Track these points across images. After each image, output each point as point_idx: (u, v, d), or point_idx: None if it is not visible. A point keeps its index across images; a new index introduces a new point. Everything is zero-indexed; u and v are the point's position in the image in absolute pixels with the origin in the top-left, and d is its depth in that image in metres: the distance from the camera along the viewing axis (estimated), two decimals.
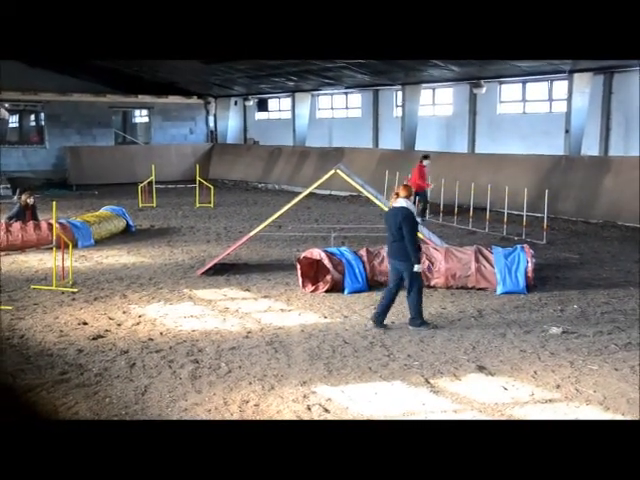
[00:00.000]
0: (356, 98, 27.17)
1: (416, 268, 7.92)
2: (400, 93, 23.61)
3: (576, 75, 17.85)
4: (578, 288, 9.81)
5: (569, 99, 18.19)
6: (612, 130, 19.14)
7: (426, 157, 16.44)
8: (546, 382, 6.37)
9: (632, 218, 14.81)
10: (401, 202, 8.01)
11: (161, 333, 7.80)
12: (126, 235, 14.42)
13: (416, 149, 22.44)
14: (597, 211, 15.64)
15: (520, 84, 21.35)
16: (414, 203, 13.49)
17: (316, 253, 9.89)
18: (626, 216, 14.93)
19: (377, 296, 9.38)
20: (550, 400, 5.95)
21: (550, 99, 20.65)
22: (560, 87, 19.81)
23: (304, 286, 9.81)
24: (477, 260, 9.76)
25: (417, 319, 8.06)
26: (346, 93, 27.19)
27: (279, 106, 30.71)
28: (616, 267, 11.21)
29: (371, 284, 9.83)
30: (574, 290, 9.70)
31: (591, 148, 18.95)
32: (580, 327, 8.00)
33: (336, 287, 9.68)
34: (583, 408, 5.76)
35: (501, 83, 21.68)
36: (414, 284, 8.01)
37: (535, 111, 21.06)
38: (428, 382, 6.36)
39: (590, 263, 11.56)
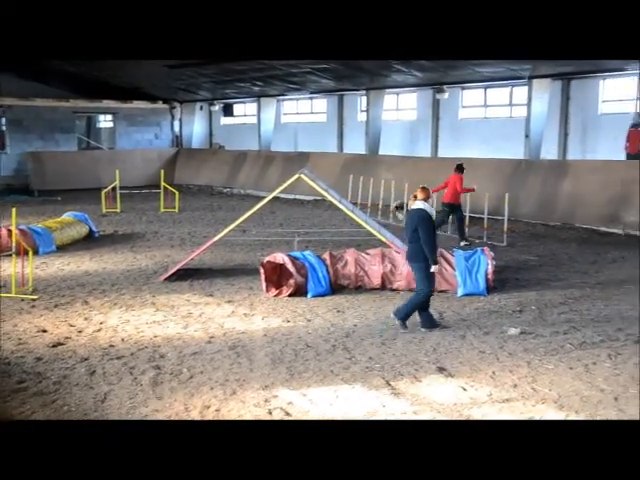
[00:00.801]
0: (321, 103, 27.31)
1: (433, 269, 8.03)
2: (364, 98, 23.80)
3: (535, 81, 18.20)
4: (536, 289, 10.01)
5: (529, 104, 18.53)
6: (570, 134, 19.56)
7: (461, 167, 14.22)
8: (504, 382, 6.50)
9: (589, 220, 15.15)
10: (418, 204, 8.12)
11: (122, 339, 7.77)
12: (89, 241, 14.30)
13: (380, 153, 22.64)
14: (556, 213, 15.95)
15: (481, 89, 21.68)
16: (448, 216, 14.00)
17: (279, 257, 9.94)
18: (583, 218, 15.26)
19: (341, 300, 9.51)
20: (507, 400, 6.08)
21: (510, 104, 21.02)
22: (520, 93, 20.17)
23: (267, 290, 9.84)
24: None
25: (402, 313, 8.14)
26: (311, 98, 27.31)
27: (245, 111, 30.70)
28: (573, 268, 11.46)
29: (334, 288, 9.91)
30: (532, 291, 9.90)
31: (550, 152, 19.34)
32: (537, 327, 8.17)
33: (299, 291, 9.73)
34: (539, 407, 5.90)
35: (463, 89, 22.00)
36: (422, 288, 8.10)
37: (496, 116, 21.41)
38: (389, 384, 6.45)
39: (548, 265, 11.79)
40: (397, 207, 15.70)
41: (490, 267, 9.76)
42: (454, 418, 5.70)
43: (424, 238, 7.93)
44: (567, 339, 7.73)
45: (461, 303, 9.32)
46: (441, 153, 22.49)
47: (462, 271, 9.75)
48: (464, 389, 6.33)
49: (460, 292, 9.69)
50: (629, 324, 8.22)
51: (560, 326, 8.23)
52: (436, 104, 22.62)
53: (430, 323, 8.19)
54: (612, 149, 17.44)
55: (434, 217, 8.29)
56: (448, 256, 9.96)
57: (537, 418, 5.66)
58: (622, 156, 16.86)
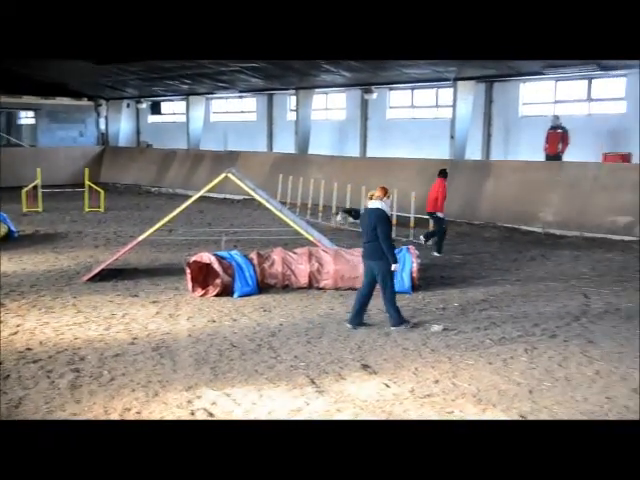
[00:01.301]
0: (251, 102, 27.20)
1: (393, 267, 8.05)
2: (294, 97, 23.84)
3: (460, 83, 18.63)
4: (460, 287, 10.24)
5: (454, 106, 18.95)
6: (493, 136, 20.12)
7: (444, 172, 13.46)
8: (426, 378, 6.61)
9: (511, 219, 15.60)
10: (376, 203, 8.11)
11: (40, 342, 7.53)
12: (7, 241, 13.79)
13: (309, 152, 22.72)
14: (480, 213, 16.35)
15: (409, 90, 22.04)
16: (441, 225, 12.95)
17: (206, 257, 9.83)
18: (505, 217, 15.70)
19: (268, 299, 9.49)
20: (429, 395, 6.18)
21: (437, 105, 21.45)
22: (446, 94, 20.60)
23: (193, 290, 9.74)
24: None
25: (397, 319, 8.13)
26: (241, 97, 27.17)
27: (173, 109, 30.29)
28: (495, 266, 11.78)
29: (261, 287, 9.88)
30: (456, 289, 10.12)
31: (474, 153, 19.83)
32: (459, 324, 8.35)
33: (226, 291, 9.66)
34: (458, 401, 6.03)
35: (391, 89, 22.31)
36: (387, 284, 8.10)
37: (423, 117, 21.81)
38: (313, 382, 6.47)
39: (472, 263, 12.08)
40: (348, 211, 15.75)
41: (415, 265, 9.92)
42: (378, 415, 5.77)
43: (382, 237, 7.95)
44: (487, 335, 7.94)
45: None
46: (370, 153, 22.76)
47: None
48: (387, 385, 6.41)
49: None
50: (545, 319, 8.51)
51: (481, 322, 8.44)
52: (364, 104, 22.87)
53: (357, 320, 8.26)
54: (532, 150, 18.02)
55: (390, 215, 8.32)
56: None
57: (528, 418, 5.78)
58: (542, 157, 17.44)
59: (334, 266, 10.01)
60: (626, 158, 16.77)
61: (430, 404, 5.97)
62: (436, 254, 12.70)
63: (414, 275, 9.92)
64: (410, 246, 10.46)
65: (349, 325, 8.23)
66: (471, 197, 16.86)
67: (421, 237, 13.54)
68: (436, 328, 8.17)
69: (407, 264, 9.91)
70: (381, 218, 8.00)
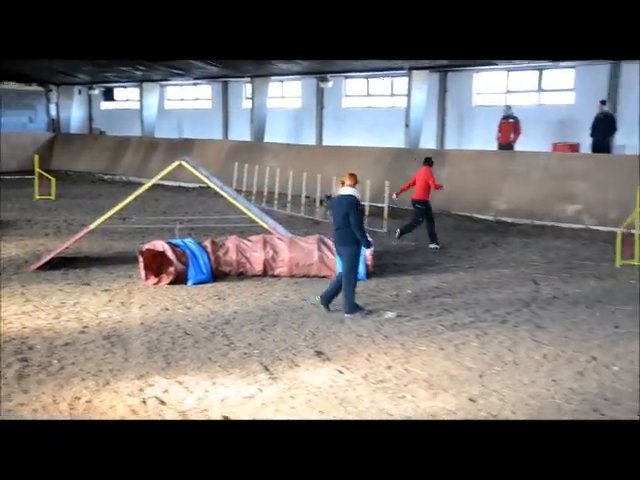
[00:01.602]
0: (206, 89, 26.93)
1: (367, 252, 8.11)
2: (249, 85, 23.68)
3: (414, 72, 18.75)
4: (413, 274, 10.34)
5: (408, 95, 19.07)
6: (447, 125, 20.32)
7: (430, 160, 13.06)
8: (378, 364, 6.68)
9: (464, 207, 15.79)
10: (347, 190, 8.20)
11: None
12: None
13: (265, 141, 22.62)
14: (434, 201, 16.43)
15: (364, 79, 22.09)
16: (422, 217, 12.45)
17: (159, 245, 9.74)
18: (459, 206, 15.89)
19: (222, 287, 9.45)
20: (381, 380, 6.25)
21: (392, 94, 21.56)
22: (401, 83, 20.71)
23: (147, 278, 9.63)
24: (320, 249, 10.03)
25: (352, 306, 8.21)
26: (195, 84, 26.87)
27: (126, 96, 29.79)
28: (448, 253, 11.93)
29: (216, 275, 9.83)
30: (409, 276, 10.21)
31: (429, 142, 20.00)
32: (412, 311, 8.44)
33: (180, 279, 9.59)
34: (410, 386, 6.11)
35: (346, 78, 22.34)
36: (352, 270, 8.19)
37: (378, 105, 21.90)
38: (267, 369, 6.48)
39: (425, 250, 12.20)
40: (326, 197, 15.38)
41: (369, 253, 9.98)
42: (331, 400, 5.80)
43: (355, 223, 8.05)
44: (439, 321, 8.04)
45: None
46: (325, 141, 22.77)
47: None
48: (340, 372, 6.45)
49: None
50: (496, 306, 8.66)
51: (433, 309, 8.54)
52: (320, 93, 22.86)
53: (327, 301, 8.39)
54: (486, 139, 18.27)
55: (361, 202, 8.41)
56: (329, 243, 10.09)
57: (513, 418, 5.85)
58: (494, 146, 17.68)
59: (289, 254, 10.01)
60: (575, 148, 17.13)
61: (383, 389, 6.04)
62: (435, 246, 12.32)
63: (368, 262, 9.98)
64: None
65: (317, 298, 8.42)
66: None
67: (431, 246, 12.46)
68: (389, 315, 8.25)
69: (362, 252, 9.95)
70: (353, 204, 8.12)
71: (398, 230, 12.92)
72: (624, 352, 6.95)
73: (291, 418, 5.41)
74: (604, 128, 16.07)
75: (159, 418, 5.36)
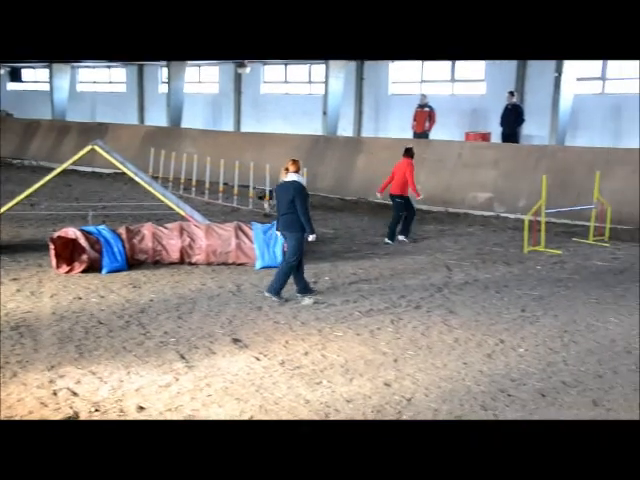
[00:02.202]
0: (120, 72, 26.24)
1: (311, 238, 8.27)
2: (166, 69, 23.22)
3: (331, 61, 18.85)
4: (331, 261, 10.45)
5: (326, 83, 19.19)
6: (364, 113, 20.58)
7: (411, 151, 12.08)
8: (296, 350, 6.74)
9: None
10: (292, 176, 8.27)
11: None
12: None
13: (182, 126, 22.27)
14: (351, 188, 16.69)
15: (282, 66, 22.05)
16: (404, 209, 11.51)
17: (71, 232, 9.46)
18: (376, 193, 16.11)
19: (138, 275, 9.29)
20: (298, 367, 6.31)
21: (310, 82, 21.63)
22: (318, 71, 20.80)
23: (58, 267, 9.35)
24: (237, 236, 9.99)
25: (277, 289, 8.32)
26: (109, 67, 26.13)
27: (35, 77, 28.67)
28: (365, 240, 12.11)
29: (131, 263, 9.65)
30: (327, 263, 10.32)
31: (346, 129, 20.21)
32: (330, 297, 8.54)
33: (93, 267, 9.36)
34: (327, 372, 6.20)
35: (264, 64, 22.24)
36: (294, 255, 8.27)
37: (296, 92, 21.92)
38: (183, 357, 6.43)
39: (343, 237, 12.35)
40: (260, 197, 14.99)
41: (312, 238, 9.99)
42: (249, 388, 5.82)
43: (301, 209, 8.14)
44: (356, 307, 8.18)
45: (259, 276, 9.49)
46: (244, 127, 22.65)
47: (260, 244, 9.92)
48: (257, 359, 6.48)
49: (258, 265, 9.87)
50: (411, 291, 8.87)
51: (350, 295, 8.67)
52: (238, 78, 22.69)
53: (303, 288, 8.49)
54: (401, 128, 18.61)
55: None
56: (247, 230, 10.07)
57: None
58: (410, 134, 18.03)
59: (206, 241, 9.92)
60: (486, 137, 17.69)
61: (300, 376, 6.10)
62: (403, 239, 11.79)
63: (285, 250, 9.99)
64: None
65: (299, 295, 8.44)
66: (343, 173, 17.18)
67: (400, 237, 11.85)
68: (307, 301, 8.32)
69: (279, 239, 9.98)
70: (299, 191, 8.21)
71: (401, 237, 11.85)
72: (529, 334, 7.27)
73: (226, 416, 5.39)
74: (513, 118, 16.66)
75: (73, 410, 5.25)
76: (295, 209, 8.19)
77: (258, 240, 9.94)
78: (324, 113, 19.22)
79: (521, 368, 6.34)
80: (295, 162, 8.49)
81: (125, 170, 10.92)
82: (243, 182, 15.68)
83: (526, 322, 7.68)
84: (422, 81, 19.92)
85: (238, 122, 23.02)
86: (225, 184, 16.03)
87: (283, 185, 8.41)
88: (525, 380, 6.06)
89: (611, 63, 17.45)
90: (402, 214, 11.85)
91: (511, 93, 16.86)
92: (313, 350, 6.75)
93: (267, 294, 8.32)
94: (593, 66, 17.56)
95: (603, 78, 17.56)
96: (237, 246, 9.94)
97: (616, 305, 8.30)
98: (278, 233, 8.77)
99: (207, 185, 16.21)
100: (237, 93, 22.90)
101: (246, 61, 21.24)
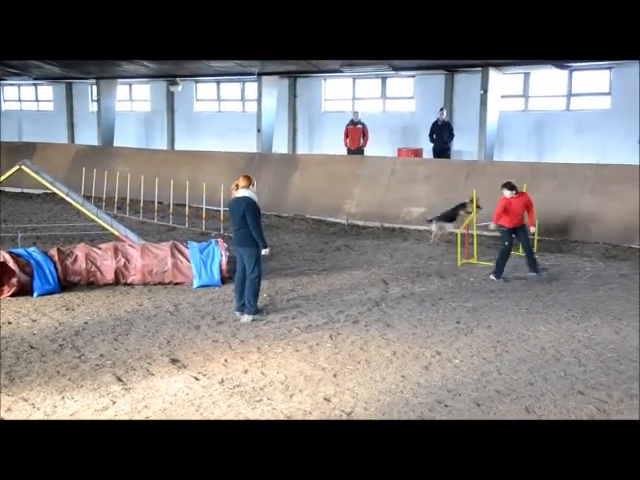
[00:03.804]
0: (47, 90, 25.66)
1: (264, 252, 8.30)
2: (95, 87, 22.84)
3: (264, 78, 18.94)
4: (268, 278, 10.44)
5: (259, 100, 19.24)
6: (298, 130, 20.72)
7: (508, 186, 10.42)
8: (235, 369, 6.72)
9: (317, 211, 16.14)
10: (242, 192, 8.29)
11: None
12: None
13: (115, 145, 21.93)
14: (287, 205, 16.73)
15: (215, 84, 22.02)
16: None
17: None
18: (312, 209, 16.22)
19: (71, 297, 9.08)
20: (238, 385, 6.30)
21: (243, 99, 21.65)
22: (251, 88, 20.85)
23: None
24: (173, 255, 9.90)
25: (254, 308, 8.33)
26: (35, 85, 25.52)
27: None
28: (302, 257, 12.17)
29: (64, 285, 9.46)
30: (265, 280, 10.21)
31: (281, 146, 20.29)
32: (268, 314, 8.55)
33: (24, 290, 9.12)
34: (267, 389, 6.20)
35: (197, 82, 22.15)
36: (255, 271, 8.29)
37: (230, 110, 21.91)
38: (120, 380, 6.33)
39: (280, 254, 12.37)
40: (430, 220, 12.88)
41: (224, 258, 9.99)
42: (187, 408, 5.77)
43: (252, 224, 8.19)
44: (295, 323, 8.21)
45: (196, 295, 9.43)
46: (178, 146, 22.46)
47: (197, 263, 9.86)
48: (197, 379, 6.43)
49: (196, 284, 9.80)
50: (349, 306, 8.96)
51: (289, 311, 8.70)
52: (171, 96, 22.51)
53: (245, 307, 8.47)
54: (335, 144, 18.80)
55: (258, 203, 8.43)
56: (183, 248, 10.00)
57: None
58: (344, 151, 18.25)
59: (141, 261, 9.80)
60: (418, 153, 18.06)
61: (239, 394, 6.09)
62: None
63: (223, 267, 9.98)
64: (219, 239, 10.52)
65: (238, 313, 8.43)
66: (279, 190, 17.22)
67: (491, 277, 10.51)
68: (245, 319, 8.31)
69: (216, 257, 9.96)
70: (250, 206, 8.25)
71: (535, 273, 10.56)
72: (464, 345, 7.45)
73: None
74: (443, 134, 17.08)
75: None
76: (247, 225, 8.24)
77: (195, 259, 9.88)
78: (258, 130, 19.26)
79: (457, 379, 6.49)
80: (246, 177, 8.53)
81: (55, 190, 10.70)
82: (178, 201, 15.56)
83: (461, 333, 7.86)
84: (354, 98, 20.21)
85: (172, 140, 22.82)
86: (160, 203, 15.86)
87: (235, 201, 8.46)
88: (461, 390, 6.20)
89: (533, 80, 18.12)
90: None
91: (441, 109, 17.29)
92: (252, 368, 6.74)
93: (247, 317, 8.31)
94: (516, 84, 18.18)
95: (526, 95, 18.19)
96: (174, 265, 9.85)
97: (545, 314, 8.59)
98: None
99: (141, 204, 16.00)
100: (170, 111, 22.70)
101: (178, 79, 21.11)
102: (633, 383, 6.38)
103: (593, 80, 17.33)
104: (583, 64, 16.55)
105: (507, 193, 10.36)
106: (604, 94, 17.03)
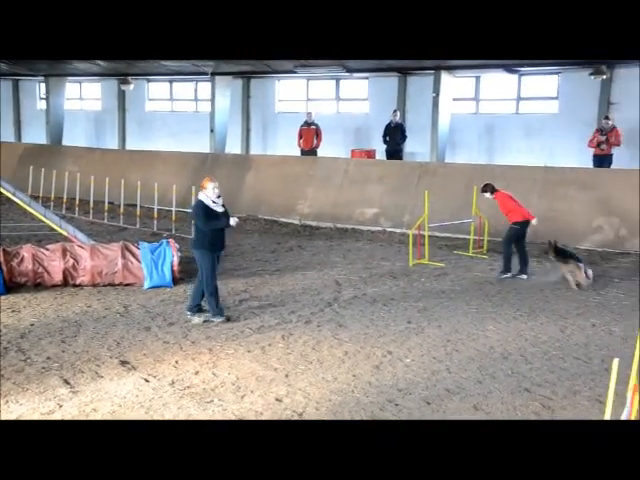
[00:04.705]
0: None
1: (232, 222, 8.25)
2: (43, 85, 22.38)
3: (218, 78, 18.85)
4: (221, 279, 10.26)
5: (212, 100, 19.13)
6: (252, 130, 20.65)
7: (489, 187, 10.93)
8: (186, 370, 6.66)
9: (270, 212, 16.14)
10: (200, 195, 8.27)
11: None
12: None
13: (64, 144, 21.53)
14: (241, 206, 16.65)
15: (167, 83, 21.80)
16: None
17: None
18: (265, 210, 16.21)
19: (17, 299, 8.88)
20: (189, 387, 6.25)
21: (196, 99, 21.49)
22: (205, 88, 20.71)
23: None
24: (124, 256, 9.77)
25: (215, 309, 8.25)
26: None
27: None
28: (255, 257, 12.14)
29: (9, 286, 9.24)
30: (217, 280, 10.19)
31: (235, 147, 20.20)
32: (220, 315, 8.49)
33: None
34: (218, 390, 6.16)
35: (149, 81, 21.90)
36: (205, 273, 8.23)
37: (183, 110, 21.71)
38: (67, 383, 6.22)
39: (233, 255, 12.30)
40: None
41: (176, 259, 9.90)
42: (140, 410, 5.70)
43: (200, 224, 8.22)
44: (247, 324, 8.18)
45: (147, 296, 9.32)
46: (129, 145, 22.17)
47: (148, 264, 9.74)
48: (147, 380, 6.36)
49: (146, 285, 9.68)
50: (301, 307, 8.97)
51: (241, 312, 8.67)
52: (122, 95, 22.21)
53: (195, 308, 8.41)
54: (289, 145, 18.81)
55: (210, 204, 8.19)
56: (134, 249, 9.87)
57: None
58: (298, 152, 18.26)
59: (91, 262, 9.64)
60: (371, 154, 18.19)
61: (190, 395, 6.04)
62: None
63: (175, 268, 9.89)
64: (170, 240, 10.41)
65: (189, 313, 8.33)
66: (232, 190, 17.07)
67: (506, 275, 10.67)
68: (197, 320, 8.24)
69: (168, 257, 9.85)
70: (196, 208, 8.30)
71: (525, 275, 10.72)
72: (415, 345, 7.53)
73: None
74: (396, 136, 17.23)
75: None
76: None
77: (145, 259, 9.76)
78: (211, 131, 19.14)
79: (407, 378, 6.56)
80: (207, 179, 8.39)
81: (1, 190, 10.44)
82: (130, 201, 15.35)
83: (412, 333, 7.95)
84: (308, 99, 20.24)
85: (123, 140, 22.50)
86: (110, 203, 15.62)
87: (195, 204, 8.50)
88: (411, 389, 6.27)
89: (483, 84, 18.43)
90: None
91: (395, 111, 17.45)
92: (204, 369, 6.70)
93: (216, 319, 8.22)
94: (467, 87, 18.47)
95: (477, 99, 18.49)
96: (124, 266, 9.71)
97: (495, 314, 8.74)
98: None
99: (91, 204, 15.73)
100: (121, 110, 22.38)
101: (130, 77, 20.83)
102: (577, 380, 6.55)
103: (541, 85, 17.73)
104: (532, 69, 16.91)
105: (489, 195, 10.85)
106: (552, 98, 17.44)
